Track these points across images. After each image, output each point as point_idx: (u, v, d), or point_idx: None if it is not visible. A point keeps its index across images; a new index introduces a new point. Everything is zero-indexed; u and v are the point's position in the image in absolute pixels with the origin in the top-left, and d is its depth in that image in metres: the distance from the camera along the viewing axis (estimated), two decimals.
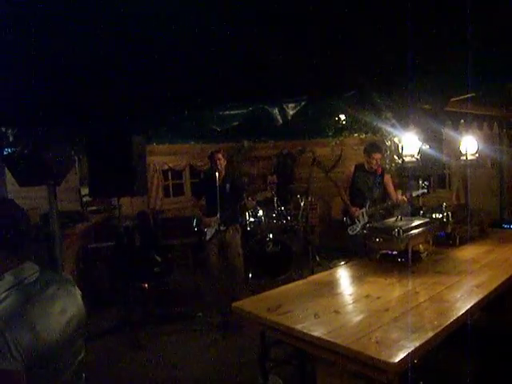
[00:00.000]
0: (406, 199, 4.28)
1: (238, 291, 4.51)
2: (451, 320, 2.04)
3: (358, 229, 4.48)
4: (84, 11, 1.85)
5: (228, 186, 4.55)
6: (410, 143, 2.96)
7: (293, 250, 5.72)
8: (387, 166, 5.33)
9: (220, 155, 4.59)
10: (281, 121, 3.08)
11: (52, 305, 1.24)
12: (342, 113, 4.14)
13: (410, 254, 2.94)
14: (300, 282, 2.78)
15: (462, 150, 3.60)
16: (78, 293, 1.39)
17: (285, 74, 2.97)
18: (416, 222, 3.12)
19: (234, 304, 2.43)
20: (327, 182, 6.81)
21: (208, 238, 4.50)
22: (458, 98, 2.78)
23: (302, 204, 5.69)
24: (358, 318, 2.12)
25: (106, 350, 3.93)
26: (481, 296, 2.34)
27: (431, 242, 3.22)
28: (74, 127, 3.70)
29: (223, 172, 4.57)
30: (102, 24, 2.00)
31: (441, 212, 3.44)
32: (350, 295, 2.48)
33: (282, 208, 6.03)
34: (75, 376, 1.31)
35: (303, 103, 2.95)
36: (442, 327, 1.96)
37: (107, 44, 2.26)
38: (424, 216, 3.45)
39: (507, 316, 2.94)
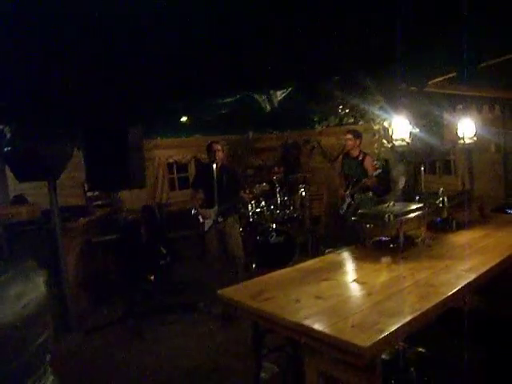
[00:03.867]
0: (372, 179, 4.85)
1: (239, 281, 4.51)
2: (433, 304, 2.00)
3: (345, 208, 5.10)
4: (77, 6, 1.87)
5: (225, 177, 4.53)
6: (400, 127, 2.90)
7: (296, 240, 5.70)
8: (376, 151, 5.36)
9: (219, 146, 4.56)
10: (269, 107, 3.08)
11: (5, 290, 1.27)
12: (336, 99, 4.09)
13: (401, 240, 2.90)
14: (287, 270, 2.76)
15: (459, 133, 3.51)
16: (40, 278, 1.42)
17: (270, 61, 2.95)
18: (409, 207, 3.07)
19: (219, 291, 2.43)
20: (333, 172, 6.73)
21: (206, 229, 4.51)
22: (444, 78, 2.70)
23: (302, 193, 5.65)
24: (338, 303, 2.10)
25: (107, 340, 4.01)
26: (468, 280, 2.29)
27: (426, 227, 3.16)
28: (70, 120, 3.74)
29: (220, 163, 4.53)
30: (97, 16, 2.01)
31: (437, 197, 3.37)
32: (336, 281, 2.45)
33: (285, 198, 6.02)
34: (37, 357, 1.34)
35: (290, 89, 2.93)
36: (421, 311, 1.93)
37: (102, 36, 2.27)
38: (420, 201, 3.38)
39: (504, 300, 2.88)
